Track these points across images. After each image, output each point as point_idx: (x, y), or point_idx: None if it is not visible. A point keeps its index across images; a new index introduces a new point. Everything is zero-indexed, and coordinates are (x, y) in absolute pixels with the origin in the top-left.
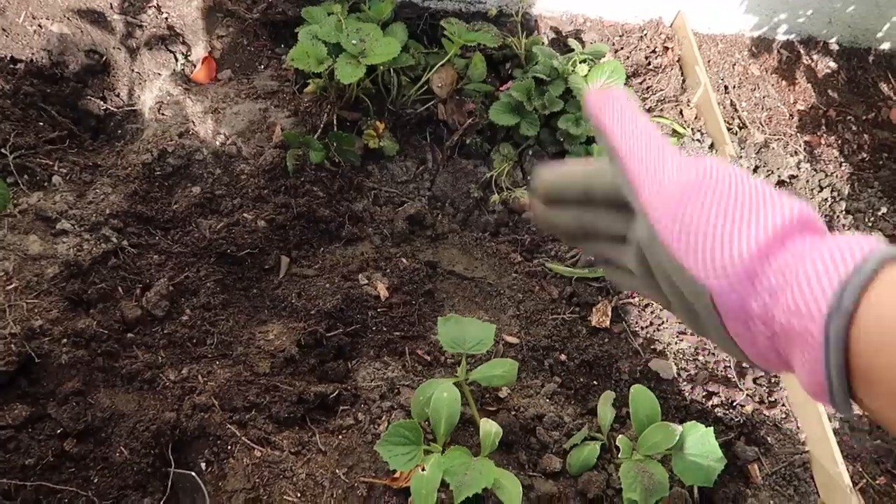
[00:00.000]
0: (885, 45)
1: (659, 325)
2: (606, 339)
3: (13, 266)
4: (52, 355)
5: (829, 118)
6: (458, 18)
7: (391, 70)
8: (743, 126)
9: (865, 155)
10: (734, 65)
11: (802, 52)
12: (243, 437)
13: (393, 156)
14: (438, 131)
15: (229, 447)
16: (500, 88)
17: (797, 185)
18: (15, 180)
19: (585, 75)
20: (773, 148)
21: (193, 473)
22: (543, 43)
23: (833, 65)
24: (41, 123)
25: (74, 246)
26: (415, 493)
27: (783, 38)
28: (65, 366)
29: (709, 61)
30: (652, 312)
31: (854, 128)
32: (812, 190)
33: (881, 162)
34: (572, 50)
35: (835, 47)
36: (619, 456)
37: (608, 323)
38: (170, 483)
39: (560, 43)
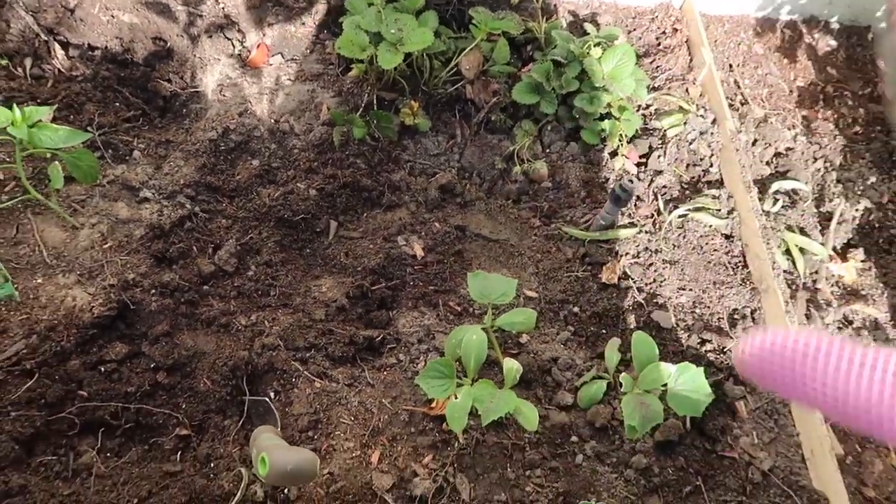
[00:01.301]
0: (884, 24)
1: (661, 282)
2: (614, 294)
3: (107, 228)
4: (143, 303)
5: (827, 94)
6: (483, 5)
7: (424, 54)
8: (745, 102)
9: (859, 128)
10: (739, 44)
11: (804, 31)
12: (305, 372)
13: (426, 131)
14: (466, 109)
15: (293, 380)
16: (522, 70)
17: (792, 156)
18: (101, 154)
19: (599, 57)
20: (772, 122)
21: (267, 399)
22: (562, 27)
23: (833, 43)
24: (117, 104)
25: (156, 211)
26: (449, 417)
27: (786, 18)
28: (154, 312)
29: (715, 41)
30: (655, 271)
31: (850, 102)
32: (806, 161)
33: (873, 134)
34: (588, 33)
35: (835, 26)
36: (622, 391)
37: (616, 280)
38: (246, 408)
39: (577, 26)
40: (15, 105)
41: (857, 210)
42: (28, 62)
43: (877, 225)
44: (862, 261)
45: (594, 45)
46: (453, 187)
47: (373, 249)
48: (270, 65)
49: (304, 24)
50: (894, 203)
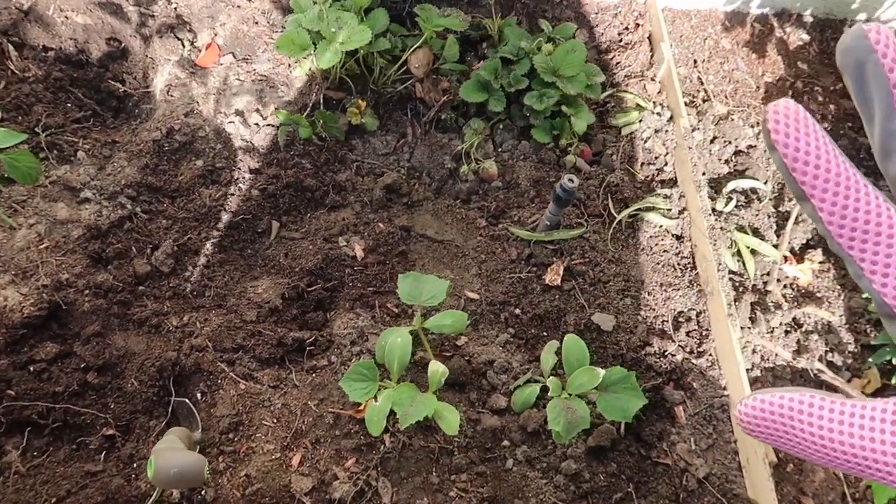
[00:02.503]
0: (861, 16)
1: (606, 283)
2: (557, 296)
3: (44, 229)
4: (76, 303)
5: (796, 89)
6: (441, 1)
7: (375, 53)
8: (707, 99)
9: (828, 125)
10: (706, 39)
11: (776, 24)
12: (231, 373)
13: (375, 130)
14: (417, 108)
15: (219, 381)
16: (475, 67)
17: (754, 154)
18: (46, 156)
19: (549, 54)
20: (734, 119)
21: (187, 400)
22: (521, 23)
23: (806, 37)
24: (69, 105)
25: (95, 212)
26: (367, 420)
27: (757, 12)
28: (87, 312)
29: (681, 36)
30: (600, 271)
31: (820, 98)
32: (767, 159)
33: (842, 131)
34: (543, 30)
35: (809, 19)
36: (550, 394)
37: (559, 281)
38: (170, 409)
39: (534, 22)
40: None
41: None
42: None
43: None
44: (820, 262)
45: (546, 42)
46: (399, 187)
47: (312, 250)
48: (221, 64)
49: (257, 23)
50: None
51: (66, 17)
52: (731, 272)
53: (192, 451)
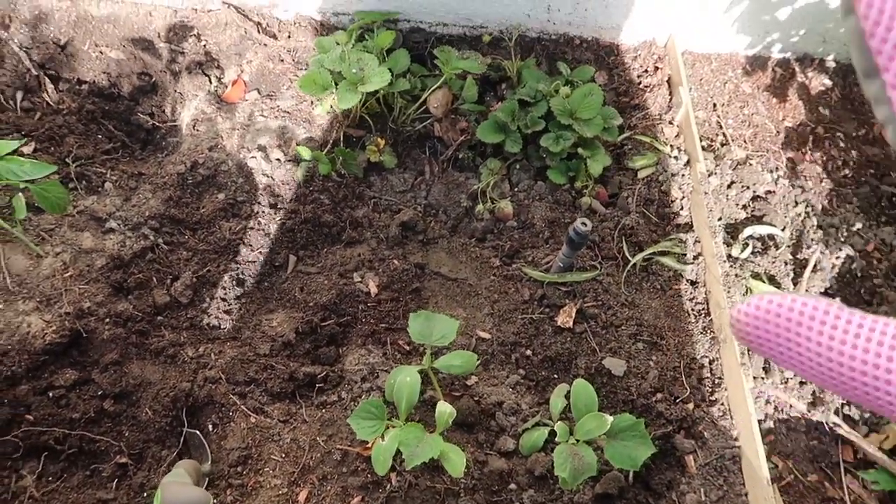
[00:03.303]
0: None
1: (618, 327)
2: (569, 338)
3: (69, 258)
4: (96, 332)
5: (817, 135)
6: (462, 43)
7: (396, 93)
8: (725, 143)
9: (849, 171)
10: (726, 83)
11: (797, 69)
12: (242, 406)
13: (393, 168)
14: (436, 146)
15: (231, 413)
16: (493, 108)
17: (772, 200)
18: (75, 186)
19: (567, 97)
20: (752, 164)
21: (198, 432)
22: (540, 64)
23: (828, 82)
24: (100, 136)
25: (119, 242)
26: (373, 459)
27: (779, 56)
28: (106, 340)
29: (701, 80)
30: (613, 315)
31: (842, 144)
32: (787, 205)
33: (864, 178)
34: (561, 72)
35: (831, 64)
36: (557, 439)
37: (571, 323)
38: (182, 439)
39: (553, 64)
40: None
41: (836, 258)
42: (19, 95)
43: (859, 274)
44: None
45: (564, 84)
46: (415, 224)
47: (327, 285)
48: (246, 100)
49: (282, 60)
50: (881, 251)
51: (100, 52)
52: None
53: (199, 487)
